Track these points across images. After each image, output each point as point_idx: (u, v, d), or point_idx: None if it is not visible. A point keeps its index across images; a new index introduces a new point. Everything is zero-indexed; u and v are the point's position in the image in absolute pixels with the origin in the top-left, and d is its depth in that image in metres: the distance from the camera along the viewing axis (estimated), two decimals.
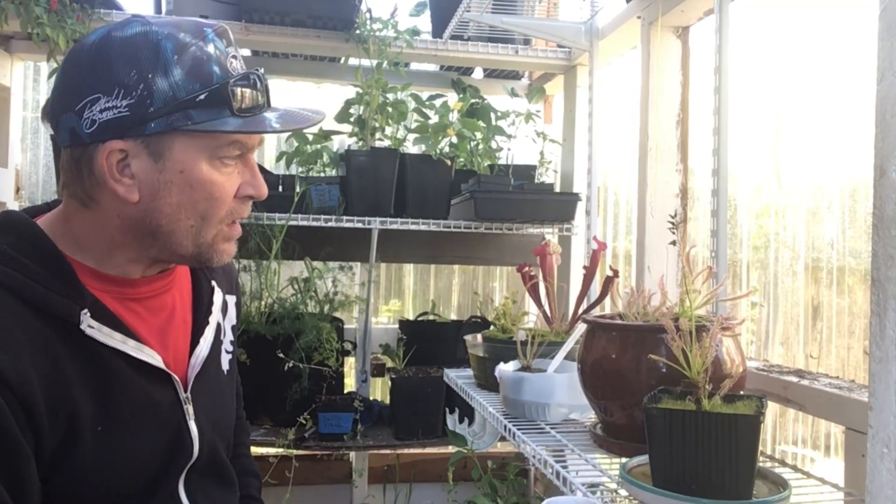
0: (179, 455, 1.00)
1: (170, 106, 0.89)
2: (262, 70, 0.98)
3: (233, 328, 1.19)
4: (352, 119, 2.37)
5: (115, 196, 0.91)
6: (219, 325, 1.12)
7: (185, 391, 1.01)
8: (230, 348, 1.17)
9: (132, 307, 0.98)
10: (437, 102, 2.44)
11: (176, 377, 1.00)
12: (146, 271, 1.00)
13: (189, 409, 1.01)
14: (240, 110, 0.92)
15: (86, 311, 0.90)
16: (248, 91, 0.93)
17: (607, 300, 1.63)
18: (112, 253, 0.96)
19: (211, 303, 1.11)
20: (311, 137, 2.41)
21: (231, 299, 1.19)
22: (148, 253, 0.97)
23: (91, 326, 0.90)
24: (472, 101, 2.48)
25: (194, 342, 1.06)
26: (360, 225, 2.29)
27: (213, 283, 1.13)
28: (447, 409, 1.98)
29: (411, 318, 2.66)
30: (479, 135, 2.47)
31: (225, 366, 1.14)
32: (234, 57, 0.95)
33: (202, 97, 0.90)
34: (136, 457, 0.94)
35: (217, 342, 1.12)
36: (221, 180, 0.94)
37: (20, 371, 0.83)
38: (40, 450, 0.86)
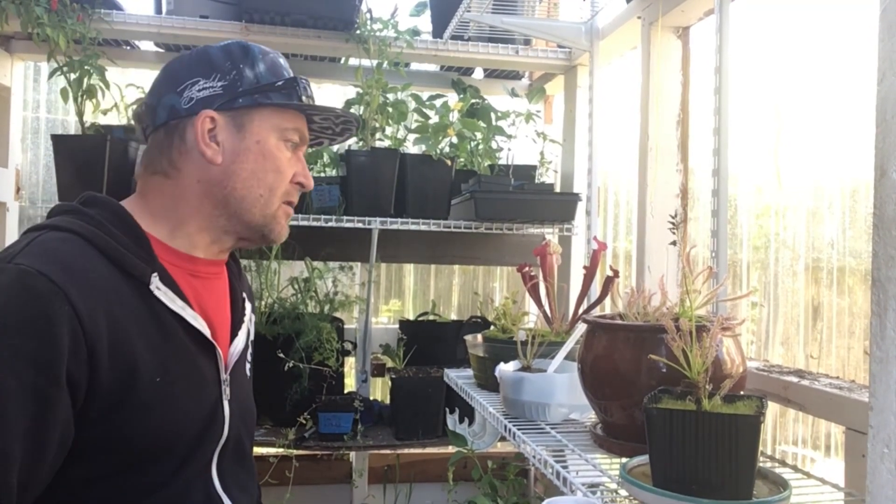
0: (213, 431, 1.07)
1: (255, 88, 1.11)
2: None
3: (248, 333, 1.26)
4: None
5: (200, 160, 1.08)
6: (248, 330, 1.23)
7: (226, 373, 1.11)
8: (249, 358, 1.26)
9: (193, 283, 1.10)
10: (438, 102, 2.44)
11: (220, 352, 1.09)
12: (209, 248, 1.13)
13: (227, 389, 1.10)
14: (302, 99, 1.14)
15: (155, 274, 1.02)
16: (308, 89, 1.18)
17: (607, 300, 1.63)
18: (184, 222, 1.10)
19: (244, 305, 1.23)
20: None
21: (249, 307, 1.28)
22: (217, 222, 1.11)
23: (158, 288, 1.02)
24: (473, 101, 2.48)
25: (233, 334, 1.17)
26: (360, 225, 2.29)
27: (244, 293, 1.25)
28: (447, 409, 1.98)
29: (411, 318, 2.66)
30: (479, 135, 2.47)
31: (248, 372, 1.24)
32: (288, 71, 1.18)
33: (280, 83, 1.13)
34: (183, 415, 1.02)
35: (247, 344, 1.22)
36: (284, 158, 1.13)
37: (89, 307, 0.92)
38: (96, 383, 0.92)
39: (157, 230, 1.08)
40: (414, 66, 2.69)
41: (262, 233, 1.15)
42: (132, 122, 2.14)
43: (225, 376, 1.10)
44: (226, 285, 1.20)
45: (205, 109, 1.08)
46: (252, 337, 1.27)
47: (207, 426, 1.06)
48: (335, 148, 2.51)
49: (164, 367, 1.00)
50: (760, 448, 0.94)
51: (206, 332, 1.07)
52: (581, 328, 1.42)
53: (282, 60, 1.19)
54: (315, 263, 2.41)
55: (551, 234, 2.51)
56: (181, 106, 1.08)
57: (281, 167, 1.13)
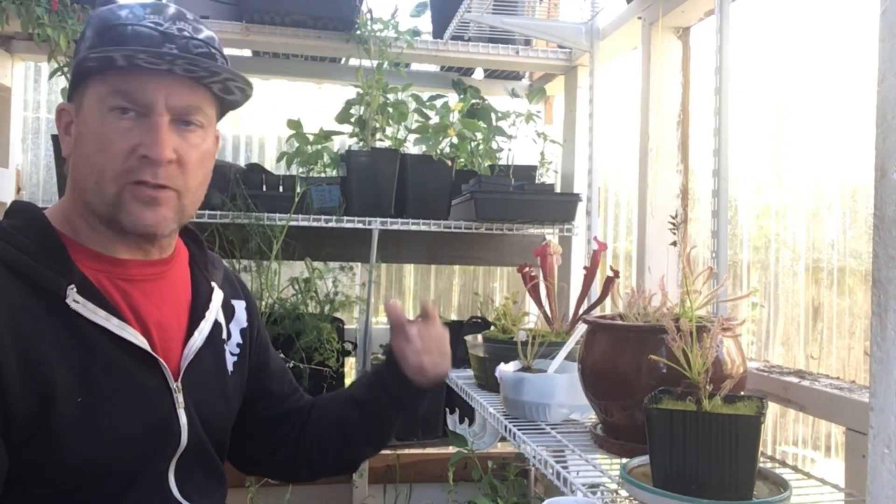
0: (167, 442, 1.01)
1: (78, 60, 0.98)
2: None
3: (242, 331, 1.20)
4: (352, 119, 2.37)
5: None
6: (219, 324, 1.14)
7: (176, 380, 1.03)
8: (236, 351, 1.17)
9: (125, 288, 1.01)
10: (438, 103, 2.44)
11: (163, 363, 1.01)
12: (137, 250, 1.03)
13: (179, 397, 1.02)
14: (129, 52, 0.96)
15: (72, 286, 0.93)
16: (144, 30, 0.97)
17: (608, 301, 1.63)
18: (84, 222, 1.01)
19: (209, 300, 1.12)
20: (311, 138, 2.42)
21: (239, 304, 1.21)
22: (89, 220, 1.01)
23: (76, 301, 0.93)
24: (473, 101, 2.48)
25: (189, 335, 1.07)
26: (360, 225, 2.29)
27: (213, 283, 1.15)
28: (447, 410, 1.98)
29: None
30: (479, 135, 2.47)
31: (230, 367, 1.15)
32: (162, 19, 1.00)
33: (98, 47, 0.97)
34: (118, 435, 0.96)
35: (218, 340, 1.13)
36: (110, 133, 0.97)
37: None
38: (11, 410, 0.88)
39: (76, 235, 1.01)
40: (414, 66, 2.69)
41: (116, 223, 0.98)
42: None
43: (175, 384, 1.02)
44: (177, 282, 1.10)
45: (64, 103, 1.04)
46: (244, 326, 1.19)
47: (157, 439, 1.00)
48: (336, 148, 2.51)
49: (88, 384, 0.93)
50: (761, 448, 0.94)
51: (139, 341, 0.98)
52: (581, 328, 1.42)
53: (124, 13, 0.98)
54: (315, 264, 2.41)
55: (551, 235, 2.51)
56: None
57: (104, 144, 0.96)
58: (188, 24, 1.01)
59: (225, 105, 1.09)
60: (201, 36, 1.02)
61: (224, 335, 1.15)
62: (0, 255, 0.93)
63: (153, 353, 1.00)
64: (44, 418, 0.89)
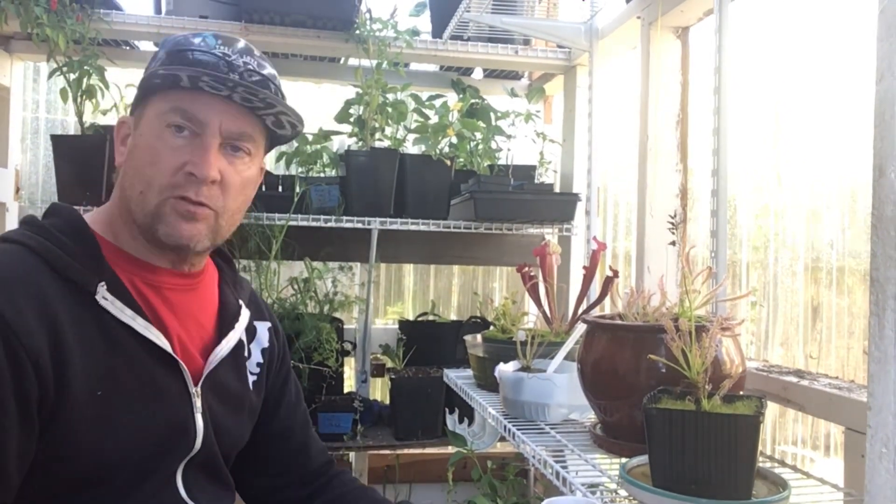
0: (180, 444, 1.03)
1: (145, 77, 1.05)
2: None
3: (262, 351, 1.22)
4: (351, 119, 2.37)
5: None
6: (241, 342, 1.17)
7: (196, 385, 1.05)
8: (256, 370, 1.20)
9: (153, 294, 1.05)
10: (437, 103, 2.44)
11: (184, 365, 1.04)
12: (169, 260, 1.07)
13: (197, 402, 1.05)
14: (193, 75, 1.01)
15: (103, 283, 0.97)
16: (216, 60, 1.03)
17: (607, 300, 1.63)
18: (127, 228, 1.05)
19: (237, 315, 1.16)
20: (310, 138, 2.41)
21: (262, 325, 1.24)
22: (134, 229, 1.04)
23: (105, 298, 0.97)
24: (472, 101, 2.48)
25: (214, 345, 1.10)
26: (359, 225, 2.29)
27: (241, 301, 1.19)
28: (447, 410, 1.98)
29: (411, 318, 2.66)
30: (478, 135, 2.47)
31: (249, 384, 1.18)
32: (229, 55, 1.05)
33: (167, 67, 1.02)
34: (134, 431, 0.98)
35: (240, 357, 1.16)
36: (163, 148, 1.02)
37: (24, 316, 0.89)
38: (46, 398, 0.91)
39: (118, 239, 1.05)
40: (413, 66, 2.69)
41: (152, 235, 1.03)
42: None
43: (194, 389, 1.05)
44: (204, 298, 1.14)
45: (126, 115, 1.10)
46: (266, 346, 1.22)
47: (171, 439, 1.02)
48: (335, 148, 2.51)
49: (110, 378, 0.96)
50: (760, 448, 0.94)
51: (161, 342, 1.01)
52: (580, 328, 1.42)
53: (197, 41, 1.05)
54: (315, 264, 2.41)
55: (551, 235, 2.51)
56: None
57: (156, 158, 1.01)
58: (254, 59, 1.07)
59: (275, 138, 1.14)
60: (264, 71, 1.08)
61: (245, 353, 1.18)
62: (38, 249, 0.97)
63: (174, 355, 1.03)
64: (61, 404, 0.92)
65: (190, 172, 1.00)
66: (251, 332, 1.21)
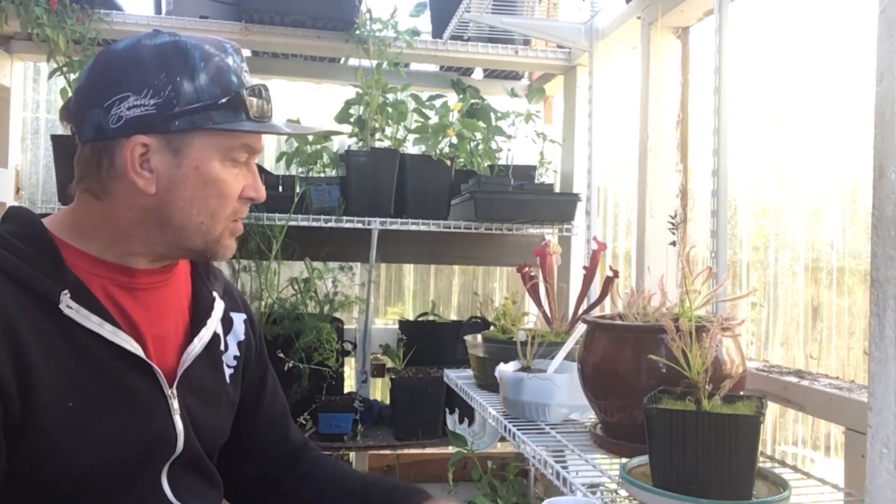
0: (161, 448, 1.02)
1: (194, 107, 0.98)
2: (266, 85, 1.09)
3: (239, 344, 1.20)
4: (352, 119, 2.37)
5: (132, 188, 0.98)
6: (217, 335, 1.14)
7: (171, 386, 1.03)
8: (233, 363, 1.18)
9: (124, 296, 1.02)
10: (437, 103, 2.44)
11: (157, 369, 1.01)
12: (149, 265, 1.05)
13: (174, 404, 1.03)
14: (253, 116, 1.02)
15: (66, 291, 0.94)
16: (259, 101, 1.03)
17: (607, 300, 1.63)
18: (117, 243, 1.02)
19: (211, 309, 1.13)
20: (310, 138, 2.41)
21: (238, 316, 1.22)
22: (154, 248, 1.03)
23: (69, 307, 0.94)
24: (472, 101, 2.48)
25: (188, 342, 1.08)
26: (360, 225, 2.29)
27: (215, 293, 1.16)
28: (447, 410, 1.98)
29: (411, 318, 2.66)
30: (478, 135, 2.47)
31: (227, 378, 1.16)
32: (247, 71, 1.05)
33: (223, 101, 0.99)
34: (111, 439, 0.96)
35: (216, 351, 1.14)
36: (230, 179, 1.03)
37: None
38: (11, 414, 0.88)
39: (88, 246, 1.01)
40: (413, 66, 2.69)
41: (205, 255, 1.06)
42: None
43: (170, 391, 1.03)
44: (178, 290, 1.12)
45: (137, 134, 0.96)
46: (242, 339, 1.20)
47: (155, 445, 1.01)
48: (335, 148, 2.51)
49: (80, 388, 0.93)
50: (760, 448, 0.94)
51: (132, 346, 0.98)
52: (581, 328, 1.42)
53: (230, 62, 1.02)
54: (315, 264, 2.41)
55: (551, 235, 2.51)
56: (109, 125, 0.96)
57: (225, 191, 1.02)
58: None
59: None
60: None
61: (221, 346, 1.16)
62: None
63: (146, 359, 1.00)
64: (34, 420, 0.90)
65: (251, 198, 1.05)
66: (227, 323, 1.19)
